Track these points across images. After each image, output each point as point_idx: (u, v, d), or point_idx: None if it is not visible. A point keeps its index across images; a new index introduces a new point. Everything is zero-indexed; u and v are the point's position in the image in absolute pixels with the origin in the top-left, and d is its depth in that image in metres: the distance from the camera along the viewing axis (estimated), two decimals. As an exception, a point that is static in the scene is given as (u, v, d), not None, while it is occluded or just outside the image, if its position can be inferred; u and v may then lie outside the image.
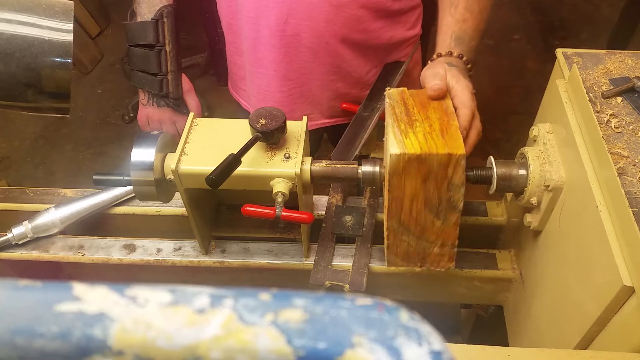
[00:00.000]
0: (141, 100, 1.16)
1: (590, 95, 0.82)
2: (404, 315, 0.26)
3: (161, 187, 0.89)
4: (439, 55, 0.96)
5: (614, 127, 0.78)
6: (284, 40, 1.09)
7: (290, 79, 1.16)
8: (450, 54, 0.94)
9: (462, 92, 0.87)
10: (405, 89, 0.89)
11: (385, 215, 0.88)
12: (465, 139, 0.84)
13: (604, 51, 0.91)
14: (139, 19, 1.10)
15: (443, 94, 0.87)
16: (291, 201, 0.86)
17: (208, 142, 0.89)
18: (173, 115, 1.16)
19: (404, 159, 0.78)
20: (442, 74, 0.88)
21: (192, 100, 1.18)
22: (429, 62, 0.98)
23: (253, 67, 1.18)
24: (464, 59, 0.94)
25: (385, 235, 0.90)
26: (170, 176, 0.87)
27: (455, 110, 0.85)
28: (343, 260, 1.02)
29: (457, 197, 0.82)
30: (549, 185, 0.84)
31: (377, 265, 1.02)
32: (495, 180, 0.88)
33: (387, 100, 0.88)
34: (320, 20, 1.06)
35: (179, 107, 1.15)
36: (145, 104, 1.16)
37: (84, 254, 1.07)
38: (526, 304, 0.99)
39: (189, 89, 1.17)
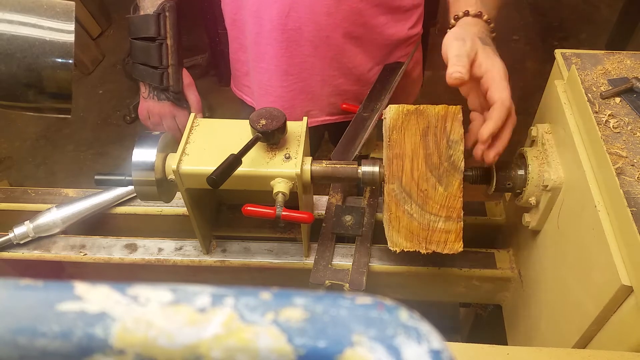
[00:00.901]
0: (142, 93, 1.17)
1: (589, 95, 0.82)
2: (404, 314, 0.26)
3: (162, 187, 0.89)
4: (466, 14, 0.81)
5: (613, 128, 0.78)
6: (286, 34, 1.09)
7: (291, 74, 1.16)
8: (480, 15, 0.81)
9: (500, 84, 0.74)
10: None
11: (386, 180, 0.85)
12: (497, 139, 0.79)
13: (602, 52, 0.91)
14: (141, 13, 1.11)
15: (461, 84, 0.77)
16: (291, 201, 0.87)
17: (209, 143, 0.89)
18: (173, 109, 1.17)
19: (403, 112, 0.83)
20: (469, 55, 0.74)
21: (192, 94, 1.19)
22: (453, 21, 0.83)
23: (255, 62, 1.19)
24: (492, 25, 0.81)
25: (385, 206, 0.86)
26: (171, 176, 0.88)
27: (491, 105, 0.77)
28: (343, 260, 1.02)
29: (457, 155, 0.83)
30: (547, 185, 0.84)
31: (376, 265, 1.02)
32: (494, 180, 0.88)
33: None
34: (321, 13, 1.06)
35: (179, 101, 1.16)
36: (146, 97, 1.17)
37: (86, 254, 1.07)
38: (525, 303, 0.99)
39: (189, 83, 1.18)
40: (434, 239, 0.84)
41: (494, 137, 0.78)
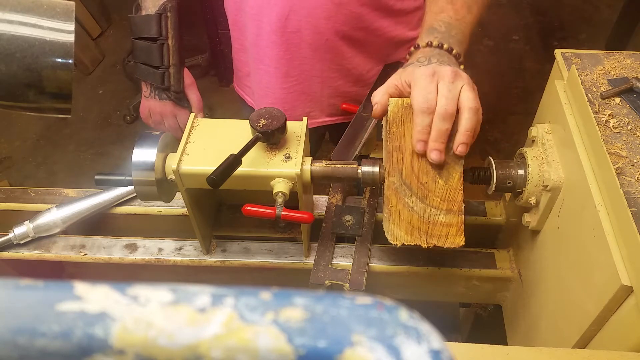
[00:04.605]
0: (144, 92, 1.18)
1: (589, 95, 0.82)
2: (404, 314, 0.26)
3: (162, 187, 0.89)
4: (405, 60, 0.87)
5: (613, 128, 0.78)
6: (285, 37, 1.09)
7: (291, 75, 1.16)
8: (417, 47, 0.85)
9: (416, 82, 0.78)
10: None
11: (387, 173, 0.84)
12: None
13: (602, 52, 0.91)
14: (143, 13, 1.12)
15: (378, 113, 0.84)
16: (291, 201, 0.87)
17: (209, 143, 0.89)
18: (174, 108, 1.18)
19: (403, 105, 0.83)
20: (384, 88, 0.83)
21: (193, 94, 1.20)
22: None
23: (255, 63, 1.19)
24: (435, 44, 0.84)
25: (384, 200, 0.85)
26: (171, 176, 0.88)
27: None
28: (343, 260, 1.02)
29: None
30: (547, 185, 0.84)
31: (376, 265, 1.02)
32: (494, 180, 0.88)
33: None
34: (320, 17, 1.06)
35: (181, 100, 1.17)
36: (148, 97, 1.18)
37: (86, 254, 1.07)
38: (525, 303, 0.99)
39: (190, 83, 1.19)
40: (434, 232, 0.82)
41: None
